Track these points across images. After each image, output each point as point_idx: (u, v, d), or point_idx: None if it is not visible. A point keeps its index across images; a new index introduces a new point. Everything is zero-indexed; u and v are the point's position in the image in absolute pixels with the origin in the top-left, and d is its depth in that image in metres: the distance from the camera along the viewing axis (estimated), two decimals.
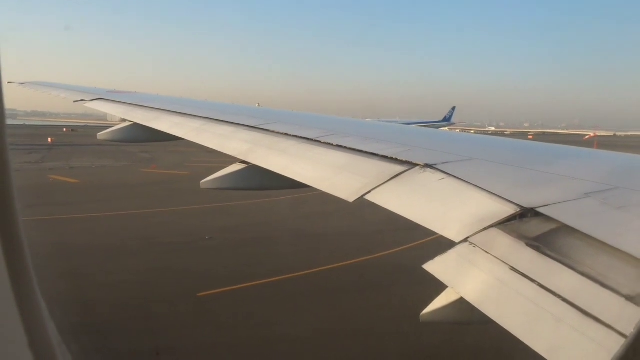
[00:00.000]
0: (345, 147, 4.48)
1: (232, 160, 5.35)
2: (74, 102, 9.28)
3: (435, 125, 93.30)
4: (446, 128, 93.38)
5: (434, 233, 2.81)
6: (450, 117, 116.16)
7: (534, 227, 2.42)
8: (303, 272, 13.39)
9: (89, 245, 15.63)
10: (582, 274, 1.98)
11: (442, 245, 2.61)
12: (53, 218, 18.75)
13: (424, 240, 14.12)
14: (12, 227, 1.14)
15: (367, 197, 3.39)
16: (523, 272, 2.13)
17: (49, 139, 58.75)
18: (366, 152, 4.20)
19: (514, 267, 2.19)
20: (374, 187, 3.45)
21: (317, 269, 13.69)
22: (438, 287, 2.62)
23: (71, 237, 16.56)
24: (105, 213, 20.65)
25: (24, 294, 1.15)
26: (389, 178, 3.51)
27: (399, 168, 3.64)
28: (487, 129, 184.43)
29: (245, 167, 5.08)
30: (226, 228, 18.69)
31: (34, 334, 1.15)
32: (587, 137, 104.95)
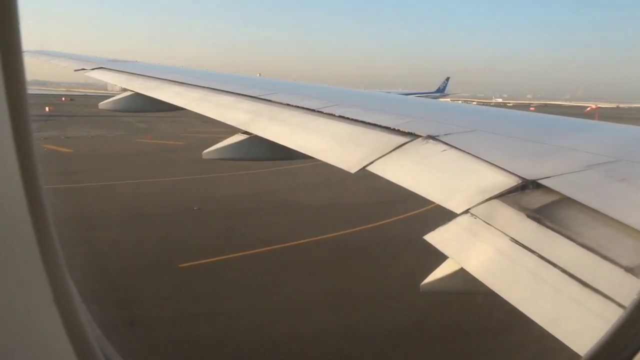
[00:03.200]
0: (348, 118, 4.46)
1: (231, 130, 5.33)
2: (75, 71, 9.20)
3: (428, 96, 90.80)
4: (448, 99, 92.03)
5: (430, 203, 2.82)
6: (444, 87, 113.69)
7: (535, 199, 2.44)
8: (287, 244, 13.35)
9: (70, 216, 14.87)
10: (582, 245, 2.00)
11: (443, 216, 2.63)
12: None
13: (417, 212, 14.21)
14: (37, 193, 1.20)
15: (369, 168, 3.39)
16: (524, 243, 2.16)
17: (47, 109, 58.26)
18: (368, 123, 4.19)
19: (515, 238, 2.21)
20: (376, 158, 3.45)
21: (305, 240, 13.75)
22: (439, 257, 2.65)
23: (53, 207, 16.31)
24: (94, 183, 20.53)
25: (49, 257, 1.22)
26: (391, 149, 3.51)
27: (401, 139, 3.63)
28: (493, 100, 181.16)
29: (248, 138, 5.07)
30: (216, 199, 18.69)
31: (58, 291, 1.22)
32: (588, 109, 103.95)
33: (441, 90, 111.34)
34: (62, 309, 1.22)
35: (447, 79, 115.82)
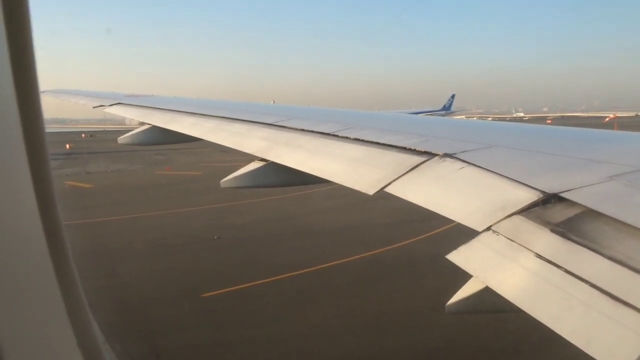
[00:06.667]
0: (363, 140, 4.46)
1: (247, 158, 5.37)
2: (93, 107, 9.39)
3: (434, 114, 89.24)
4: (463, 116, 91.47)
5: (451, 222, 2.79)
6: (450, 105, 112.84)
7: (558, 213, 2.39)
8: (307, 270, 13.31)
9: (93, 250, 15.05)
10: (611, 258, 1.94)
11: (464, 234, 2.59)
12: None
13: (438, 231, 14.07)
14: (57, 233, 1.18)
15: (387, 190, 3.37)
16: (549, 258, 2.11)
17: (67, 146, 59.54)
18: (384, 144, 4.18)
19: (540, 254, 2.16)
20: (394, 179, 3.43)
21: (328, 264, 13.69)
22: (463, 276, 2.61)
23: (75, 242, 16.23)
24: (115, 217, 20.79)
25: (71, 298, 1.20)
26: (408, 169, 3.49)
27: (417, 159, 3.61)
28: (514, 115, 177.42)
29: (264, 165, 5.09)
30: (235, 227, 18.76)
31: (81, 334, 1.20)
32: (607, 119, 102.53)
33: (447, 108, 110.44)
34: (85, 352, 1.19)
35: (453, 96, 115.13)
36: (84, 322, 1.24)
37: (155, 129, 7.55)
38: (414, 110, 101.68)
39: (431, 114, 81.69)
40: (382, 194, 3.40)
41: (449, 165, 3.37)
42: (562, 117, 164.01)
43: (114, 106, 8.98)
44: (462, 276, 2.57)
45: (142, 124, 7.94)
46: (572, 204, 2.40)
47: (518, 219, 2.45)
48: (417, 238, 15.81)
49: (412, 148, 3.86)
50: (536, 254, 2.17)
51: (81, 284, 1.27)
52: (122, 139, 8.28)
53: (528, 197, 2.59)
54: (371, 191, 3.45)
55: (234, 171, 5.47)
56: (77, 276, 1.25)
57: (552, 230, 2.24)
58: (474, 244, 2.47)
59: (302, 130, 5.34)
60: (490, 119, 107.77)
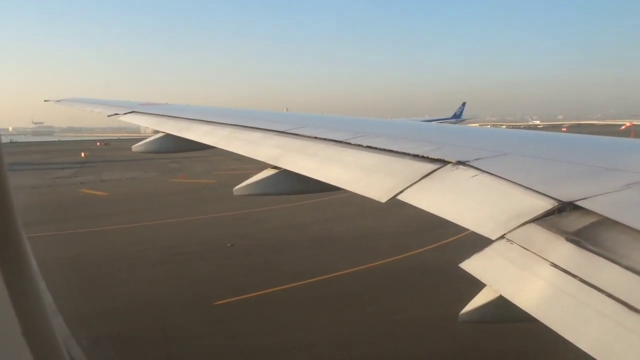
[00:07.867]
0: (375, 148, 4.45)
1: (260, 166, 5.39)
2: (108, 116, 9.49)
3: (445, 122, 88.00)
4: (477, 124, 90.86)
5: (464, 230, 2.77)
6: (461, 113, 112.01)
7: (573, 222, 2.36)
8: (320, 278, 13.31)
9: (106, 258, 15.61)
10: (627, 267, 1.91)
11: (478, 242, 2.57)
12: (75, 232, 19.22)
13: (452, 239, 13.96)
14: (10, 226, 1.17)
15: (400, 197, 3.35)
16: (564, 267, 2.08)
17: (82, 154, 60.29)
18: (396, 152, 4.16)
19: (555, 263, 2.13)
20: (406, 186, 3.41)
21: (342, 273, 13.69)
22: (476, 285, 2.58)
23: (90, 249, 16.69)
24: (129, 225, 20.96)
25: (19, 289, 1.16)
26: (421, 177, 3.47)
27: (430, 166, 3.59)
28: (530, 123, 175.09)
29: (277, 172, 5.10)
30: (249, 234, 18.83)
31: (28, 324, 1.15)
32: (623, 127, 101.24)
33: (457, 116, 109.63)
34: (32, 342, 1.14)
35: (464, 104, 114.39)
36: (33, 312, 1.19)
37: (169, 137, 7.60)
38: (427, 118, 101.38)
39: (442, 122, 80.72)
40: (396, 202, 3.38)
41: (463, 172, 3.34)
42: (578, 124, 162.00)
43: (129, 114, 9.06)
44: (476, 285, 2.55)
45: (157, 132, 8.00)
46: (588, 212, 2.37)
47: (532, 227, 2.42)
48: (431, 246, 15.73)
49: (425, 155, 3.84)
50: (551, 263, 2.14)
51: (39, 273, 1.23)
52: (136, 147, 8.35)
53: (543, 205, 2.56)
54: (384, 199, 3.43)
55: (247, 179, 5.49)
56: (32, 265, 1.21)
57: (568, 239, 2.21)
58: (487, 252, 2.45)
59: (315, 137, 5.34)
60: (504, 126, 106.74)
